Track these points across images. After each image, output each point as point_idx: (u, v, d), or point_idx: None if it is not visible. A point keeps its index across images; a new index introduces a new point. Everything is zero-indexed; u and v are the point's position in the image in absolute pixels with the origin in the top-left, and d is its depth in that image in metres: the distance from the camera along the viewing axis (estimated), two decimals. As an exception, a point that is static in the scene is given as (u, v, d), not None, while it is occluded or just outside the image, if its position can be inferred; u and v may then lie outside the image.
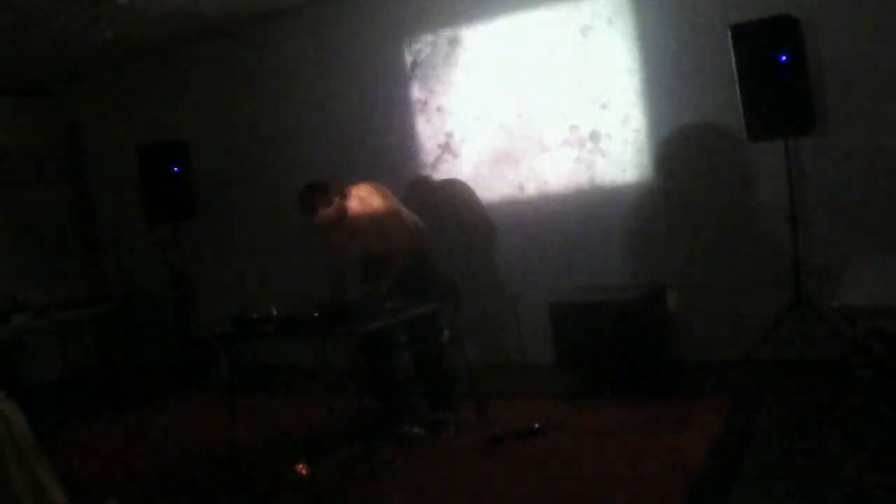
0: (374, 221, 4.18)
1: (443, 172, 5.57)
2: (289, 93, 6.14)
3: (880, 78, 4.26)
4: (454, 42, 5.47)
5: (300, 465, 3.62)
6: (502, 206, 5.41)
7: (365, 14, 5.74)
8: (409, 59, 5.65)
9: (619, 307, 4.32)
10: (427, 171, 5.62)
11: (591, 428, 3.84)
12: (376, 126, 5.76)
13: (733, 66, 4.25)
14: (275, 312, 3.85)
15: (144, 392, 6.00)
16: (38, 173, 7.15)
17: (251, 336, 3.94)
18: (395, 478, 3.48)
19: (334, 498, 3.37)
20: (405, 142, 5.70)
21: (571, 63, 5.08)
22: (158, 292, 6.85)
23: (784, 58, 4.14)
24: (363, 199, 4.19)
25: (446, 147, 5.57)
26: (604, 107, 5.01)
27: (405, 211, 4.29)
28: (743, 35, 4.21)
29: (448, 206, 5.51)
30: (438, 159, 5.60)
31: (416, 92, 5.64)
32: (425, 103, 5.61)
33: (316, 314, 3.75)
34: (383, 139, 5.73)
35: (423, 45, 5.59)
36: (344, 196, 4.15)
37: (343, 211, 4.14)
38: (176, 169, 6.13)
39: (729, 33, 4.25)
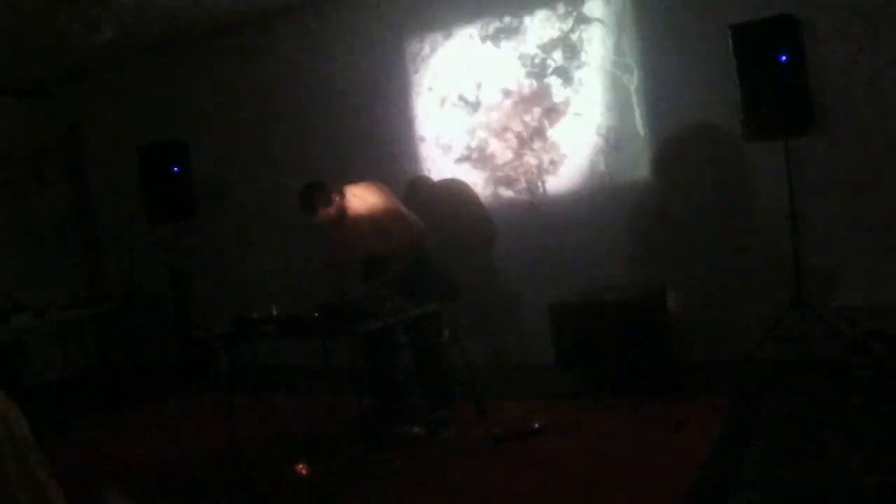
0: (374, 221, 4.18)
1: (443, 172, 5.57)
2: (289, 92, 6.14)
3: (880, 78, 4.26)
4: (454, 40, 5.47)
5: (300, 465, 3.62)
6: (502, 206, 5.41)
7: (365, 13, 5.74)
8: (409, 57, 5.65)
9: (619, 307, 4.32)
10: (427, 171, 5.62)
11: (591, 428, 3.84)
12: (376, 125, 5.76)
13: (733, 66, 4.25)
14: (275, 312, 3.85)
15: (144, 392, 5.99)
16: (38, 173, 7.15)
17: (251, 336, 3.94)
18: (395, 478, 3.48)
19: (334, 498, 3.37)
20: (405, 142, 5.70)
21: (572, 63, 5.08)
22: (158, 292, 6.85)
23: (784, 58, 4.14)
24: (363, 198, 4.18)
25: (447, 147, 5.57)
26: (603, 107, 5.01)
27: (405, 210, 4.29)
28: (743, 35, 4.21)
29: (448, 206, 5.50)
30: (439, 159, 5.60)
31: (417, 91, 5.64)
32: (426, 103, 5.61)
33: (316, 314, 3.75)
34: (383, 139, 5.73)
35: (423, 44, 5.59)
36: (343, 196, 4.15)
37: (343, 211, 4.14)
38: (176, 169, 6.13)
39: (729, 33, 4.25)
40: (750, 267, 4.68)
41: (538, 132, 5.25)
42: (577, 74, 5.09)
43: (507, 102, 5.33)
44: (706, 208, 4.80)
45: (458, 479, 3.41)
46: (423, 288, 4.14)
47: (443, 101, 5.55)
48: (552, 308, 4.53)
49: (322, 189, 4.08)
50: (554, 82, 5.17)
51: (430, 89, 5.59)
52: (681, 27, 4.72)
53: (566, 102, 5.15)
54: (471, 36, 5.41)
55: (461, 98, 5.49)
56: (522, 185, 5.33)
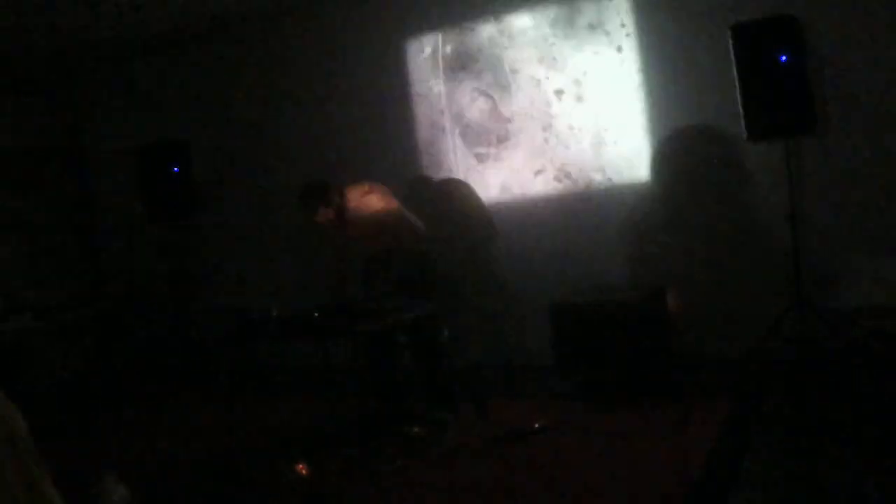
0: (375, 221, 4.18)
1: (443, 172, 5.57)
2: (289, 92, 6.14)
3: (880, 78, 4.26)
4: (454, 40, 5.47)
5: (300, 465, 3.61)
6: (502, 205, 5.41)
7: (365, 13, 5.74)
8: (409, 58, 5.65)
9: (619, 308, 4.31)
10: (427, 171, 5.62)
11: (591, 428, 3.84)
12: (376, 125, 5.75)
13: (733, 66, 4.25)
14: (275, 312, 3.85)
15: (144, 392, 5.99)
16: (38, 173, 7.14)
17: (251, 336, 3.94)
18: (395, 478, 3.48)
19: (334, 498, 3.37)
20: (405, 141, 5.69)
21: (571, 63, 5.08)
22: (158, 292, 6.85)
23: (784, 58, 4.14)
24: (363, 198, 4.19)
25: (447, 146, 5.57)
26: (603, 107, 5.01)
27: (405, 210, 4.29)
28: (743, 35, 4.21)
29: (448, 205, 5.50)
30: (439, 158, 5.60)
31: (417, 91, 5.64)
32: (426, 102, 5.61)
33: (316, 314, 3.75)
34: (383, 139, 5.73)
35: (424, 44, 5.59)
36: (343, 196, 4.15)
37: (343, 210, 4.14)
38: (176, 169, 6.13)
39: (729, 33, 4.25)
40: (750, 267, 4.68)
41: (538, 132, 5.24)
42: (577, 75, 5.08)
43: (507, 102, 5.32)
44: (706, 208, 4.80)
45: (458, 480, 3.41)
46: (423, 288, 4.14)
47: (443, 101, 5.55)
48: (552, 308, 4.53)
49: (322, 189, 4.08)
50: (553, 82, 5.16)
51: (430, 89, 5.59)
52: (681, 27, 4.72)
53: (566, 102, 5.14)
54: (470, 36, 5.42)
55: (461, 98, 5.49)
56: (523, 185, 5.33)
